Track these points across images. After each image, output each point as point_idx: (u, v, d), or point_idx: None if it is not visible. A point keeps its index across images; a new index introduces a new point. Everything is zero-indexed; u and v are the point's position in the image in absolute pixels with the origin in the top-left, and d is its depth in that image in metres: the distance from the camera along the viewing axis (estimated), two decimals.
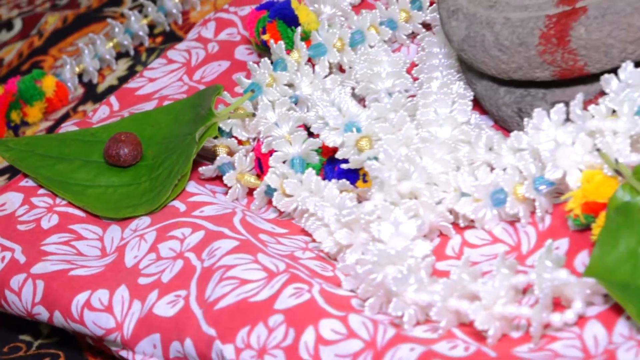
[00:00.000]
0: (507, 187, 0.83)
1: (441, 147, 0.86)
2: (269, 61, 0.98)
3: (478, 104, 0.95)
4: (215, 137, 0.96)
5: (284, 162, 0.92)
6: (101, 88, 1.20)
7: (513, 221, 0.85)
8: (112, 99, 1.09)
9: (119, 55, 1.24)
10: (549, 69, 0.86)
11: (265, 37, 1.02)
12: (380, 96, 0.94)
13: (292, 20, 1.01)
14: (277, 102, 0.95)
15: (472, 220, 0.85)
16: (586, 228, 0.79)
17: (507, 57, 0.87)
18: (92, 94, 1.20)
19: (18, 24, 1.38)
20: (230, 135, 0.96)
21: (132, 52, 1.23)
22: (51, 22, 1.35)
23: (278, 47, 0.99)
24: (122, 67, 1.22)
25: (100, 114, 1.08)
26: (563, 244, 0.82)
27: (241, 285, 0.83)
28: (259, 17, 1.03)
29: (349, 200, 0.86)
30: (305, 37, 1.01)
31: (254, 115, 0.96)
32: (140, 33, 1.23)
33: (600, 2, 0.83)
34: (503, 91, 0.91)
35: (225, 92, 0.99)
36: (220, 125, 0.96)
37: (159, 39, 1.24)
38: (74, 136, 1.03)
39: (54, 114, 1.19)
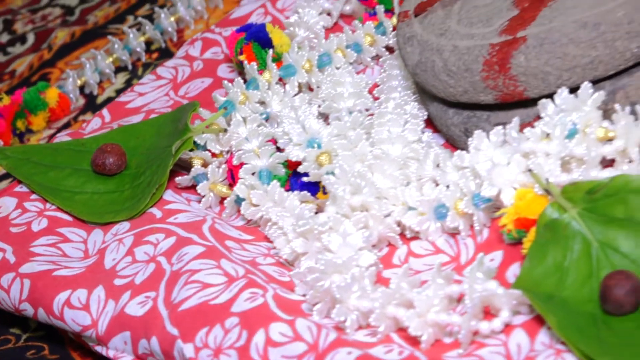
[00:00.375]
0: (448, 203, 0.83)
1: (391, 164, 0.86)
2: (241, 80, 0.98)
3: (432, 123, 0.95)
4: (191, 150, 0.96)
5: (252, 173, 0.93)
6: (100, 99, 1.21)
7: (454, 233, 0.85)
8: (105, 111, 1.10)
9: (118, 70, 1.24)
10: (491, 93, 0.86)
11: (241, 57, 1.02)
12: (341, 115, 0.94)
13: (266, 43, 1.02)
14: (248, 119, 0.96)
15: (418, 232, 0.85)
16: (519, 242, 0.80)
17: (454, 81, 0.87)
18: (92, 105, 1.20)
19: (31, 38, 1.39)
20: (205, 148, 0.97)
21: (130, 67, 1.24)
22: (60, 36, 1.36)
23: (251, 67, 1.00)
24: (120, 80, 1.23)
25: (93, 125, 1.09)
26: (498, 256, 0.82)
27: (203, 289, 0.83)
28: (238, 38, 1.04)
29: (308, 211, 0.87)
30: (278, 58, 1.01)
31: (225, 130, 0.96)
32: (138, 49, 1.24)
33: (539, 33, 0.83)
34: (452, 112, 0.91)
35: (202, 109, 0.99)
36: (196, 139, 0.96)
37: (155, 55, 1.24)
38: (66, 146, 1.04)
39: (57, 123, 1.20)
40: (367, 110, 0.97)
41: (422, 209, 0.84)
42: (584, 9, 0.83)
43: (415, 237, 0.86)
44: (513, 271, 0.80)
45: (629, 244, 0.75)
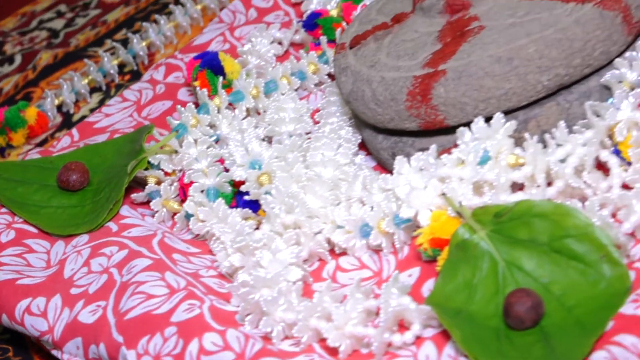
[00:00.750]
0: (371, 222, 0.83)
1: (323, 186, 0.86)
2: (193, 105, 0.98)
3: (365, 147, 0.95)
4: (147, 169, 0.97)
5: (201, 191, 0.93)
6: (76, 117, 1.21)
7: (378, 250, 0.85)
8: (74, 130, 1.10)
9: (93, 90, 1.24)
10: (415, 121, 0.86)
11: (195, 83, 1.03)
12: (283, 138, 0.94)
13: (218, 70, 1.02)
14: (199, 141, 0.96)
15: (345, 248, 0.85)
16: (434, 259, 0.80)
17: (381, 110, 0.87)
18: (68, 123, 1.20)
19: (18, 59, 1.39)
20: (158, 167, 0.97)
21: (104, 88, 1.24)
22: (45, 58, 1.36)
23: (202, 93, 1.00)
24: (95, 100, 1.23)
25: (63, 143, 1.09)
26: (415, 272, 0.82)
27: (147, 300, 0.83)
28: (195, 65, 1.04)
29: (248, 227, 0.87)
30: (229, 85, 1.01)
31: (176, 152, 0.96)
32: (112, 71, 1.24)
33: (457, 66, 0.83)
34: (381, 138, 0.91)
35: (156, 131, 0.99)
36: (151, 159, 0.96)
37: (127, 77, 1.24)
38: (35, 163, 1.04)
39: (35, 139, 1.19)
40: (308, 133, 0.97)
41: (348, 227, 0.84)
42: (499, 45, 0.83)
43: (343, 252, 0.86)
44: (428, 286, 0.80)
45: (532, 263, 0.75)
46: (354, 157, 0.92)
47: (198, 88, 1.01)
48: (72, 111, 1.22)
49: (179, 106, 1.00)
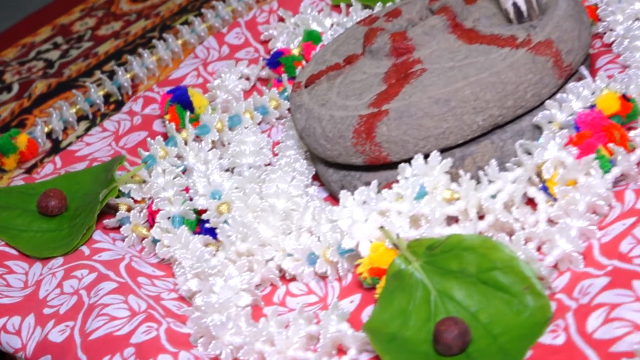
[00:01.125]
0: (318, 251, 0.83)
1: (275, 216, 0.86)
2: (161, 138, 0.98)
3: (319, 179, 0.95)
4: (118, 197, 0.96)
5: (168, 218, 0.92)
6: (64, 144, 1.20)
7: (324, 277, 0.84)
8: (57, 158, 1.10)
9: (81, 118, 1.24)
10: (361, 157, 0.86)
11: (166, 117, 1.02)
12: (243, 169, 0.94)
13: (187, 105, 1.02)
14: (166, 171, 0.95)
15: (294, 275, 0.85)
16: (374, 287, 0.79)
17: (330, 145, 0.87)
18: (57, 149, 1.20)
19: (15, 87, 1.39)
20: (129, 195, 0.96)
21: (90, 116, 1.23)
22: (39, 87, 1.35)
23: (170, 127, 1.00)
24: (82, 127, 1.22)
25: (46, 170, 1.09)
26: (357, 298, 0.81)
27: (110, 321, 0.83)
28: (167, 99, 1.04)
29: (207, 254, 0.87)
30: (196, 119, 1.01)
31: (144, 181, 0.96)
32: (98, 101, 1.23)
33: (399, 107, 0.83)
34: (331, 171, 0.90)
35: (129, 161, 0.99)
36: (121, 188, 0.96)
37: (112, 106, 1.24)
38: (18, 189, 1.04)
39: (26, 164, 1.19)
40: (268, 164, 0.96)
41: (297, 255, 0.84)
42: (439, 87, 0.83)
43: (293, 278, 0.85)
44: (368, 312, 0.80)
45: (462, 293, 0.74)
46: (307, 189, 0.91)
47: (167, 122, 1.01)
48: (60, 138, 1.22)
49: (148, 139, 1.00)
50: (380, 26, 0.92)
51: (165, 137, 1.03)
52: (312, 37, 1.05)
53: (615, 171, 0.78)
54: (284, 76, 1.04)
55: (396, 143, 0.83)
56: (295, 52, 1.05)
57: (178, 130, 1.00)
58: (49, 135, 1.23)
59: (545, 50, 0.83)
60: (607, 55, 0.94)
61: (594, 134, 0.80)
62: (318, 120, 0.87)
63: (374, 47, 0.90)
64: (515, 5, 0.87)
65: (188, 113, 1.00)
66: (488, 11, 0.90)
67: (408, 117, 0.83)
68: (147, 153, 0.98)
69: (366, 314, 0.79)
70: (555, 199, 0.78)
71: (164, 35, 1.28)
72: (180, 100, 1.01)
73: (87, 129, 1.21)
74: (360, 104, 0.86)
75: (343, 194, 0.82)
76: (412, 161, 0.81)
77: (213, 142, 0.99)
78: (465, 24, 0.89)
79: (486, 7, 0.90)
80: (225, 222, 0.87)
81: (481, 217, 0.79)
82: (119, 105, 1.23)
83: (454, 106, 0.82)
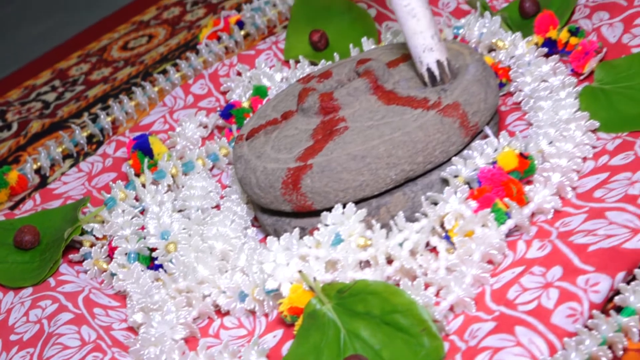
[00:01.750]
0: (247, 290, 0.82)
1: (213, 257, 0.85)
2: (121, 182, 0.97)
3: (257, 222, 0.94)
4: (83, 234, 0.96)
5: (125, 254, 0.92)
6: (50, 180, 1.19)
7: (253, 312, 0.83)
8: (37, 195, 1.09)
9: (67, 156, 1.23)
10: (289, 205, 0.85)
11: (129, 162, 1.02)
12: (191, 212, 0.93)
13: (147, 152, 1.01)
14: (125, 211, 0.95)
15: (228, 310, 0.84)
16: (294, 324, 0.78)
17: (263, 194, 0.86)
18: (44, 183, 1.19)
19: (15, 126, 1.38)
20: (92, 233, 0.96)
21: (75, 155, 1.22)
22: (35, 126, 1.35)
23: (130, 172, 0.99)
24: (67, 165, 1.21)
25: (27, 206, 1.08)
26: (279, 333, 0.81)
27: (63, 350, 0.83)
28: (132, 145, 1.03)
29: (155, 288, 0.86)
30: (155, 164, 1.00)
31: (103, 221, 0.95)
32: (82, 142, 1.22)
33: (322, 162, 0.82)
34: (266, 216, 0.89)
35: (90, 204, 0.99)
36: (85, 226, 0.95)
37: (94, 146, 1.23)
38: None
39: (16, 197, 1.18)
40: (215, 207, 0.96)
41: (229, 293, 0.83)
42: (357, 144, 0.82)
43: (228, 312, 0.84)
44: (288, 346, 0.78)
45: (367, 333, 0.73)
46: (246, 230, 0.90)
47: (127, 167, 1.00)
48: (48, 174, 1.21)
49: (110, 182, 0.99)
50: (312, 86, 0.91)
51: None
52: (259, 92, 1.04)
53: (509, 223, 0.78)
54: (234, 127, 1.03)
55: (319, 194, 0.83)
56: (246, 104, 1.05)
57: (138, 174, 0.99)
58: (37, 171, 1.22)
59: (452, 112, 0.82)
60: (516, 112, 0.93)
61: (493, 189, 0.79)
62: (253, 171, 0.87)
63: (305, 106, 0.89)
64: (429, 70, 0.86)
65: (147, 159, 0.99)
66: (407, 74, 0.89)
67: (329, 171, 0.82)
68: (108, 195, 0.97)
69: (286, 347, 0.79)
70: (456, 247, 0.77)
71: (142, 83, 1.27)
72: (141, 147, 1.00)
73: (71, 166, 1.20)
74: (290, 158, 0.85)
75: (269, 240, 0.81)
76: (334, 210, 0.80)
77: (169, 185, 0.98)
78: (385, 86, 0.88)
79: (406, 70, 0.90)
80: (170, 260, 0.86)
81: (391, 262, 0.78)
82: (100, 145, 1.23)
83: (370, 162, 0.81)
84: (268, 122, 0.92)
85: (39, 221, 1.01)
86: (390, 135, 0.81)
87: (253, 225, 0.93)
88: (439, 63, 0.85)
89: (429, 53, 0.85)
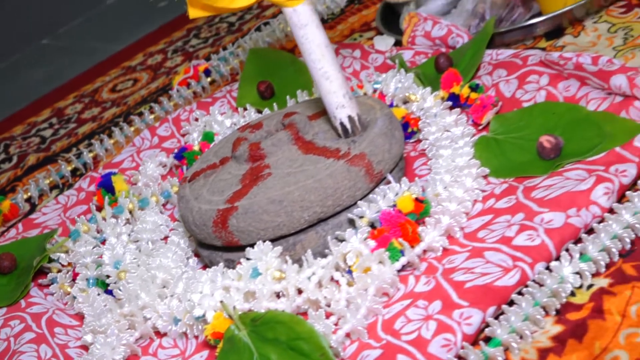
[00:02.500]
0: (179, 315, 0.82)
1: (154, 285, 0.85)
2: (84, 217, 0.97)
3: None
4: (51, 261, 0.96)
5: (86, 279, 0.91)
6: (38, 208, 1.19)
7: (186, 334, 0.83)
8: (19, 225, 1.09)
9: (53, 187, 1.23)
10: (219, 240, 0.84)
11: (94, 198, 1.02)
12: (142, 244, 0.93)
13: (109, 189, 1.01)
14: (87, 242, 0.95)
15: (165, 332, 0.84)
16: (217, 346, 0.78)
17: (198, 231, 0.86)
18: (33, 211, 1.19)
19: (15, 159, 1.38)
20: (58, 260, 0.96)
21: (60, 186, 1.22)
22: (31, 159, 1.35)
23: (92, 207, 0.99)
24: (53, 195, 1.21)
25: (10, 234, 1.08)
26: (205, 354, 0.80)
27: None
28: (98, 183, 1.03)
29: (106, 312, 0.85)
30: (115, 200, 1.00)
31: (67, 251, 0.95)
32: (67, 175, 1.22)
33: (246, 204, 0.82)
34: (202, 249, 0.89)
35: (57, 236, 0.99)
36: (51, 255, 0.95)
37: (77, 179, 1.23)
38: None
39: (9, 223, 1.18)
40: (165, 238, 0.95)
41: (166, 317, 0.83)
42: (276, 190, 0.82)
43: (165, 334, 0.84)
44: None
45: (276, 356, 0.73)
46: (187, 261, 0.90)
47: (92, 203, 1.00)
48: (37, 202, 1.21)
49: (76, 216, 0.99)
50: (245, 136, 0.91)
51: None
52: (207, 137, 1.04)
53: (402, 260, 0.77)
54: (185, 168, 1.03)
55: (243, 232, 0.82)
56: (196, 148, 1.04)
57: (100, 209, 0.99)
58: (28, 200, 1.22)
59: (359, 162, 0.82)
60: (423, 158, 0.93)
61: (391, 229, 0.79)
62: (190, 211, 0.86)
63: (237, 154, 0.89)
64: (342, 124, 0.85)
65: (108, 196, 0.99)
66: (325, 127, 0.89)
67: (252, 213, 0.81)
68: (73, 227, 0.97)
69: None
70: None
71: (121, 123, 1.27)
72: (105, 185, 1.01)
73: (57, 195, 1.20)
74: (221, 200, 0.85)
75: (199, 272, 0.81)
76: (256, 246, 0.80)
77: (127, 219, 0.98)
78: (306, 137, 0.88)
79: (325, 123, 0.89)
80: (119, 288, 0.86)
81: (301, 293, 0.78)
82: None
83: (286, 205, 0.81)
84: (208, 167, 0.92)
85: (17, 249, 1.01)
86: (305, 182, 0.81)
87: (195, 255, 0.92)
88: (350, 118, 0.85)
89: (341, 109, 0.85)
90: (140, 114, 1.30)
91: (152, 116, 1.27)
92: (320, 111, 0.91)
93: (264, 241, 0.81)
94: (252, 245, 0.81)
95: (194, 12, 0.83)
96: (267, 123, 0.92)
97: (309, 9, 0.81)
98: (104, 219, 0.97)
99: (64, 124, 1.45)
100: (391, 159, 0.85)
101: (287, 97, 1.07)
